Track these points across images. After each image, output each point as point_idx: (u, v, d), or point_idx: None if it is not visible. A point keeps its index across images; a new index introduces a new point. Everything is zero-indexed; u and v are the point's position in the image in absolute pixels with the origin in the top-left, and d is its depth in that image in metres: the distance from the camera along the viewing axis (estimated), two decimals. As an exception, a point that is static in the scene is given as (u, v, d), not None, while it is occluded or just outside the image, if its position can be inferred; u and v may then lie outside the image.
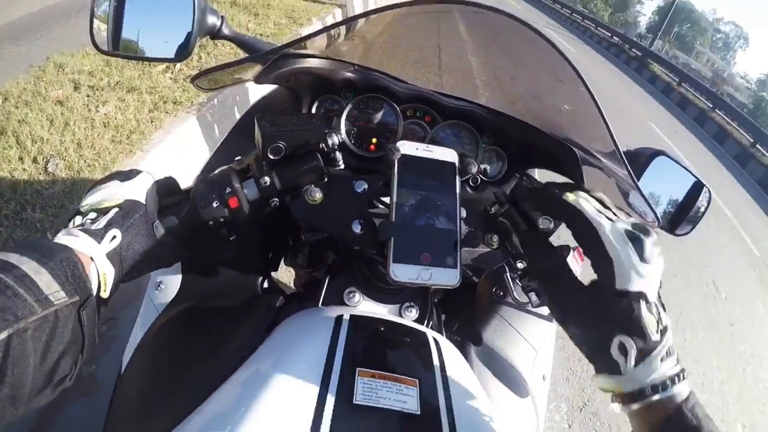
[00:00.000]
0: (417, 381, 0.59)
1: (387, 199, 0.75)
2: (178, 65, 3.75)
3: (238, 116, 1.13)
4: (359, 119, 1.03)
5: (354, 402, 0.53)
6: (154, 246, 0.66)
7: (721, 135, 15.61)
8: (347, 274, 0.85)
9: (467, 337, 0.90)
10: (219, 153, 1.05)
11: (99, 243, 0.59)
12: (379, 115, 1.03)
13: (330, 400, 0.52)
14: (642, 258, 0.56)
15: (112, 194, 0.65)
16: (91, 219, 0.62)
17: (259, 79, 0.85)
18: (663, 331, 0.56)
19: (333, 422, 0.49)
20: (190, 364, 0.73)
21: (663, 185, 0.99)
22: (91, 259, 0.58)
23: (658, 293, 0.58)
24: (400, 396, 0.56)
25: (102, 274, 0.59)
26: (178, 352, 0.78)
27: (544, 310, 1.00)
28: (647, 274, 0.56)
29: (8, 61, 3.51)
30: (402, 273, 0.67)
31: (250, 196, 0.71)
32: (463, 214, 0.79)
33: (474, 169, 0.78)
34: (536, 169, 1.16)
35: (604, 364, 0.57)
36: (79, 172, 2.62)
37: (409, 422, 0.54)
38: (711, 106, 17.79)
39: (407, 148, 0.76)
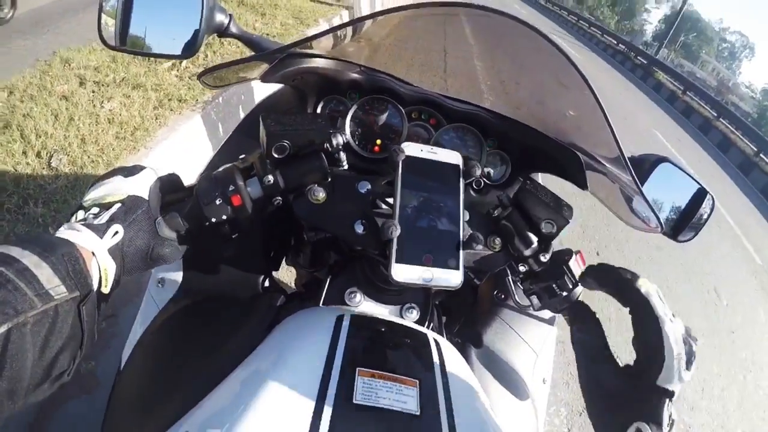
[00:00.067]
0: (417, 381, 0.59)
1: (390, 200, 0.75)
2: (184, 63, 3.76)
3: (242, 115, 1.14)
4: (364, 120, 1.03)
5: (354, 401, 0.53)
6: (156, 242, 0.65)
7: (725, 144, 15.59)
8: (349, 275, 0.85)
9: (468, 339, 0.90)
10: (223, 151, 1.05)
11: (101, 238, 0.58)
12: (383, 117, 1.03)
13: (330, 400, 0.52)
14: (688, 365, 0.61)
15: (115, 189, 0.65)
16: (94, 214, 0.61)
17: (265, 78, 0.85)
18: (671, 425, 0.61)
19: (332, 421, 0.49)
20: (190, 361, 0.73)
21: (666, 191, 0.99)
22: (93, 254, 0.57)
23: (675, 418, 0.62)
24: (400, 396, 0.56)
25: (103, 270, 0.58)
26: (177, 348, 0.77)
27: (545, 314, 1.00)
28: (685, 379, 0.61)
29: (15, 55, 3.52)
30: (404, 273, 0.67)
31: (254, 194, 0.71)
32: (466, 216, 0.79)
33: (478, 172, 0.78)
34: (540, 174, 1.16)
35: None
36: (82, 168, 2.63)
37: (408, 422, 0.53)
38: (715, 114, 17.77)
39: (412, 149, 0.76)
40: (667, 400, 0.60)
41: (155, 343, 0.79)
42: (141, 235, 0.63)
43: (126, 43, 0.86)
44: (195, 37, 0.83)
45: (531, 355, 0.93)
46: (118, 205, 0.63)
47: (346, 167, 0.85)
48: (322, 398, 0.52)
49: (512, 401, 0.85)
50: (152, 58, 3.58)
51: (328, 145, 0.75)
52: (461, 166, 0.78)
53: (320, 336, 0.63)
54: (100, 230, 0.59)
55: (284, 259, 1.13)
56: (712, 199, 1.01)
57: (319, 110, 1.03)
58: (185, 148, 3.15)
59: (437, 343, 0.69)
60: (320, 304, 0.81)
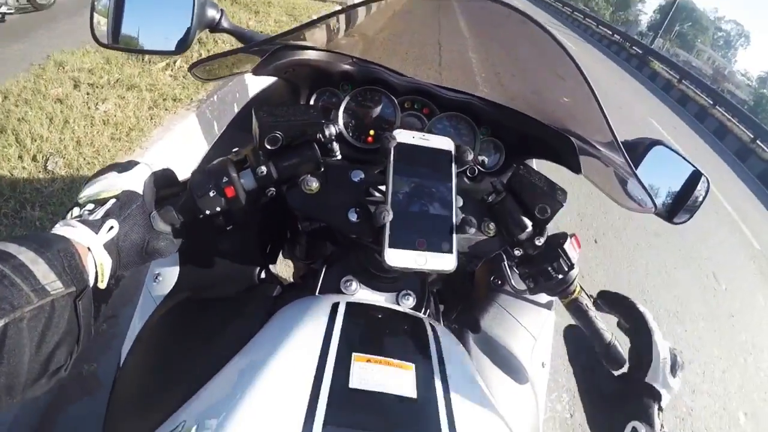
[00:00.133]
0: (413, 366, 0.59)
1: (384, 188, 0.75)
2: (178, 62, 3.75)
3: (237, 113, 1.15)
4: (357, 111, 1.03)
5: (349, 386, 0.53)
6: (152, 236, 0.66)
7: (722, 131, 15.62)
8: (344, 263, 0.85)
9: (465, 325, 0.90)
10: (217, 146, 1.06)
11: (96, 233, 0.59)
12: (377, 108, 1.03)
13: (325, 385, 0.52)
14: (673, 371, 0.70)
15: (110, 185, 0.65)
16: (89, 210, 0.62)
17: (257, 71, 0.86)
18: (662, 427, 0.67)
19: (329, 406, 0.49)
20: (188, 354, 0.73)
21: (661, 175, 1.00)
22: (89, 249, 0.58)
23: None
24: (396, 380, 0.56)
25: (99, 265, 0.59)
26: (175, 342, 0.78)
27: (543, 299, 1.00)
28: (671, 385, 0.69)
29: (9, 59, 3.52)
30: (397, 258, 0.67)
31: (247, 185, 0.71)
32: (460, 203, 0.79)
33: (470, 157, 0.78)
34: (534, 160, 1.17)
35: None
36: (78, 170, 2.63)
37: (405, 405, 0.53)
38: (711, 102, 17.79)
39: (403, 136, 0.77)
40: (657, 405, 0.67)
41: (153, 338, 0.79)
42: (136, 230, 0.64)
43: (118, 41, 0.86)
44: (187, 33, 0.83)
45: (529, 340, 0.93)
46: (113, 200, 0.63)
47: (339, 157, 0.86)
48: (318, 384, 0.52)
49: (511, 385, 0.85)
50: (145, 57, 3.59)
51: (320, 135, 0.75)
52: (453, 152, 0.79)
53: (316, 323, 0.62)
54: (96, 226, 0.59)
55: (281, 253, 1.13)
56: (707, 181, 1.01)
57: (312, 102, 1.03)
58: (181, 147, 3.15)
59: (433, 328, 0.70)
60: (316, 293, 0.81)
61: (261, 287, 0.87)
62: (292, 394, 0.50)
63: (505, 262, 0.89)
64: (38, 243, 0.52)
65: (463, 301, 1.04)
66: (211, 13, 0.85)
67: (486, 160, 1.07)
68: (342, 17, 0.76)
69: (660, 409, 0.68)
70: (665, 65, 21.30)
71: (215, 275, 0.87)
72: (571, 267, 0.79)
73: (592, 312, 0.83)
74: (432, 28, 1.06)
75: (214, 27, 0.88)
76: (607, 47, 23.55)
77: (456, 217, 0.73)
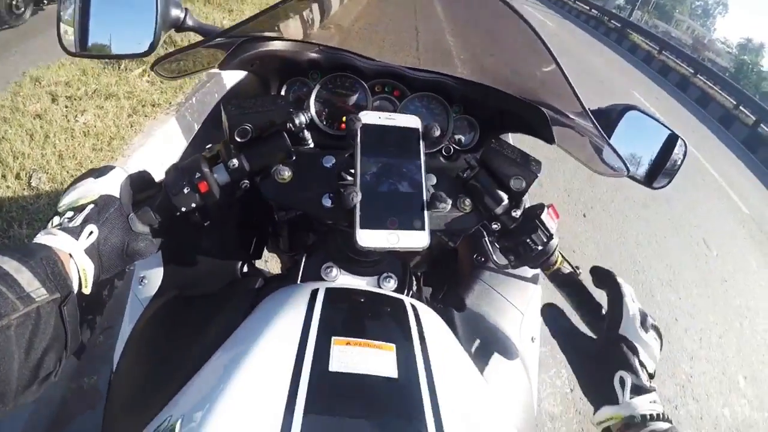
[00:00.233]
0: (393, 346, 0.59)
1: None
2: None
3: (217, 114, 1.15)
4: (329, 99, 1.04)
5: (329, 370, 0.53)
6: (131, 238, 0.67)
7: (704, 99, 15.66)
8: (324, 251, 0.85)
9: (451, 304, 0.90)
10: (192, 144, 1.06)
11: (77, 240, 0.60)
12: (347, 93, 1.04)
13: (305, 370, 0.52)
14: (643, 325, 0.75)
15: (87, 191, 0.66)
16: (68, 217, 0.63)
17: (223, 65, 0.86)
18: (651, 377, 0.72)
19: (309, 391, 0.49)
20: (177, 352, 0.74)
21: (637, 140, 1.00)
22: (70, 255, 0.59)
23: (652, 375, 0.73)
24: (377, 360, 0.56)
25: (82, 270, 0.60)
26: (164, 342, 0.78)
27: (528, 272, 1.00)
28: (644, 338, 0.73)
29: (-16, 80, 3.48)
30: (369, 239, 0.67)
31: (221, 180, 0.72)
32: (433, 181, 0.80)
33: (437, 133, 0.78)
34: (510, 135, 1.17)
35: (605, 395, 0.71)
36: (62, 184, 2.61)
37: (386, 385, 0.53)
38: (692, 71, 17.81)
39: (369, 117, 0.77)
40: (636, 357, 0.71)
41: (143, 340, 0.80)
42: (115, 233, 0.65)
43: (87, 48, 0.86)
44: (153, 34, 0.83)
45: (517, 315, 0.93)
46: (91, 206, 0.64)
47: (311, 145, 0.86)
48: (298, 370, 0.52)
49: (501, 362, 0.85)
50: (122, 65, 3.57)
51: (290, 124, 0.76)
52: (420, 129, 0.79)
53: (295, 311, 0.62)
54: (75, 232, 0.60)
55: (266, 248, 1.13)
56: (684, 144, 1.01)
57: (282, 93, 1.03)
58: (163, 152, 3.14)
59: (414, 308, 0.69)
60: (298, 283, 0.81)
61: (243, 281, 0.87)
62: (272, 382, 0.51)
63: (486, 238, 0.90)
64: (21, 252, 0.54)
65: (448, 280, 1.05)
66: (175, 12, 0.85)
67: (462, 138, 1.08)
68: (315, 7, 0.76)
69: (642, 364, 0.71)
70: (645, 37, 21.28)
71: (198, 272, 0.87)
72: (550, 237, 0.80)
73: (575, 279, 0.84)
74: (408, 14, 1.06)
75: (180, 26, 0.87)
76: (586, 22, 23.49)
77: (426, 194, 0.73)
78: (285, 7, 0.79)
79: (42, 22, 4.92)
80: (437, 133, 0.78)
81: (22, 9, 5.41)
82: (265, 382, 0.51)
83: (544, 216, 0.80)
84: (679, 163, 1.02)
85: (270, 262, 2.15)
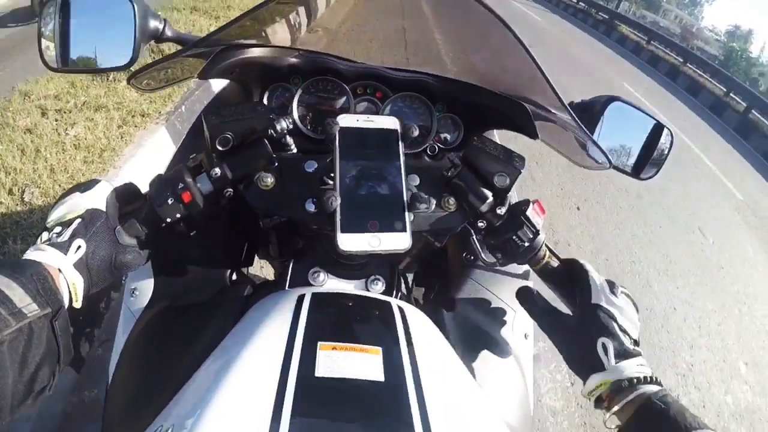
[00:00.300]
0: (380, 349, 0.59)
1: None
2: (144, 78, 3.72)
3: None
4: (312, 103, 1.04)
5: (316, 375, 0.53)
6: (119, 251, 0.67)
7: (695, 87, 15.70)
8: (311, 256, 0.85)
9: (442, 305, 0.90)
10: (178, 155, 1.06)
11: (65, 254, 0.61)
12: (330, 97, 1.04)
13: (292, 376, 0.52)
14: (613, 292, 0.77)
15: (74, 206, 0.67)
16: (57, 233, 0.63)
17: (202, 75, 0.86)
18: (636, 343, 0.73)
19: (295, 396, 0.49)
20: (169, 362, 0.74)
21: (622, 131, 1.00)
22: (60, 270, 0.60)
23: (636, 341, 0.74)
24: (363, 364, 0.56)
25: (71, 284, 0.61)
26: (157, 352, 0.78)
27: (518, 269, 1.00)
28: (616, 303, 0.75)
29: (-26, 97, 3.48)
30: (350, 242, 0.67)
31: (204, 189, 0.72)
32: (417, 181, 0.80)
33: (416, 133, 0.78)
34: (495, 131, 1.18)
35: (591, 364, 0.71)
36: (55, 198, 2.58)
37: (372, 388, 0.53)
38: (682, 60, 17.85)
39: (347, 120, 0.77)
40: (615, 323, 0.73)
41: (136, 352, 0.80)
42: (103, 246, 0.65)
43: (68, 63, 0.86)
44: (132, 46, 0.83)
45: (509, 312, 0.93)
46: (78, 220, 0.64)
47: (294, 151, 0.86)
48: (284, 376, 0.52)
49: (494, 360, 0.85)
50: (110, 76, 3.56)
51: (272, 131, 0.76)
52: (399, 130, 0.79)
53: (282, 317, 0.63)
54: (64, 247, 0.61)
55: (258, 255, 1.13)
56: (671, 132, 1.01)
57: (265, 100, 1.04)
58: (154, 161, 3.14)
59: (401, 310, 0.69)
60: (286, 288, 0.81)
61: (232, 289, 0.87)
62: (259, 389, 0.51)
63: (473, 237, 0.89)
64: (11, 269, 0.55)
65: (439, 280, 1.05)
66: (154, 23, 0.85)
67: (448, 137, 1.08)
68: (302, 11, 0.77)
69: (623, 329, 0.73)
70: (633, 28, 21.32)
71: (188, 282, 0.87)
72: (536, 233, 0.80)
73: (563, 273, 0.85)
74: (395, 14, 1.07)
75: (159, 37, 0.87)
76: (573, 15, 23.49)
77: (407, 195, 0.73)
78: (267, 11, 0.79)
79: (31, 38, 4.91)
80: (416, 133, 0.78)
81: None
82: (252, 389, 0.51)
83: (530, 212, 0.80)
84: (666, 152, 1.02)
85: (266, 268, 2.15)
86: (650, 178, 1.02)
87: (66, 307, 0.60)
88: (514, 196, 0.85)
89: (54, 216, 0.67)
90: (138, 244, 0.70)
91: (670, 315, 3.79)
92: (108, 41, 0.86)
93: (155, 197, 0.69)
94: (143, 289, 0.85)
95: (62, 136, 3.02)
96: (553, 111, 0.89)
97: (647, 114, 1.01)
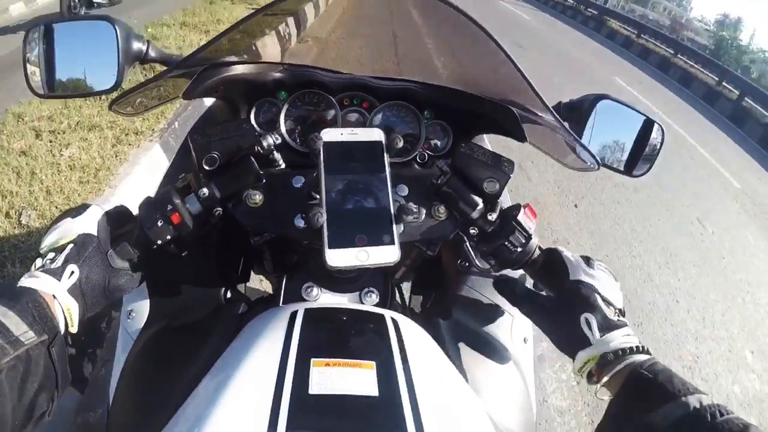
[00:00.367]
0: (374, 363, 0.58)
1: None
2: (136, 97, 3.74)
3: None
4: (300, 116, 1.04)
5: (309, 393, 0.53)
6: (112, 275, 0.68)
7: (687, 78, 15.71)
8: (304, 270, 0.85)
9: (439, 313, 0.89)
10: (167, 177, 1.06)
11: (59, 280, 0.62)
12: (317, 109, 1.05)
13: (285, 395, 0.51)
14: (588, 265, 0.77)
15: (66, 231, 0.67)
16: (50, 259, 0.64)
17: (186, 95, 0.86)
18: (621, 314, 0.74)
19: (289, 416, 0.49)
20: (166, 384, 0.74)
21: (612, 129, 1.00)
22: (54, 297, 0.60)
23: (621, 311, 0.75)
24: (357, 380, 0.55)
25: (66, 310, 0.61)
26: (155, 374, 0.78)
27: (513, 274, 0.99)
28: (595, 276, 0.76)
29: (-32, 120, 3.49)
30: (338, 258, 0.67)
31: (193, 210, 0.72)
32: (405, 191, 0.80)
33: (400, 144, 0.78)
34: (485, 136, 1.18)
35: (577, 341, 0.70)
36: (52, 219, 2.60)
37: (367, 404, 0.53)
38: (672, 52, 17.89)
39: (330, 135, 0.77)
40: (597, 295, 0.73)
41: (133, 374, 0.80)
42: (96, 270, 0.66)
43: (54, 88, 0.87)
44: (117, 69, 0.84)
45: (506, 318, 0.92)
46: (71, 246, 0.65)
47: (282, 166, 0.86)
48: (278, 395, 0.51)
49: (493, 367, 0.85)
50: (102, 96, 3.57)
51: (258, 147, 0.76)
52: (384, 142, 0.79)
53: (275, 335, 0.62)
54: (57, 273, 0.62)
55: (254, 271, 1.13)
56: (661, 128, 1.01)
57: (252, 116, 1.04)
58: (149, 179, 3.14)
59: (395, 322, 0.69)
60: (280, 305, 0.81)
61: (227, 307, 0.87)
62: (254, 408, 0.51)
63: (467, 244, 0.89)
64: (7, 297, 0.55)
65: (436, 289, 1.04)
66: (137, 45, 0.86)
67: (438, 143, 1.08)
68: (291, 22, 0.78)
69: (606, 301, 0.73)
70: (622, 22, 21.38)
71: (183, 302, 0.87)
72: (528, 238, 0.80)
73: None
74: (385, 20, 1.07)
75: (143, 59, 0.88)
76: (562, 13, 23.53)
77: (394, 207, 0.73)
78: (256, 25, 0.80)
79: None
80: (400, 144, 0.78)
81: (78, 8, 7.33)
82: (246, 408, 0.51)
83: (521, 216, 0.80)
84: (658, 148, 1.02)
85: (265, 282, 2.15)
86: (643, 175, 1.02)
87: (62, 332, 0.61)
88: (507, 200, 0.85)
89: (47, 242, 0.68)
90: (131, 267, 0.71)
91: (673, 308, 3.78)
92: (92, 65, 0.87)
93: (145, 220, 0.69)
94: (140, 310, 0.85)
95: (57, 157, 3.03)
96: (540, 114, 0.89)
97: (637, 110, 1.01)
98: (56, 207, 2.67)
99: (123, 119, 3.43)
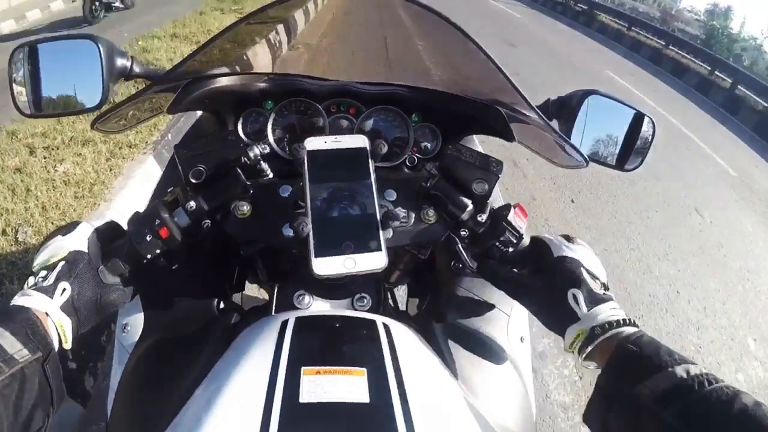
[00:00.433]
0: (364, 370, 0.58)
1: None
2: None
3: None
4: (288, 125, 1.04)
5: (300, 401, 0.52)
6: (103, 290, 0.69)
7: (679, 69, 15.73)
8: (296, 279, 0.84)
9: (434, 316, 0.89)
10: (157, 191, 1.07)
11: (51, 298, 0.62)
12: (304, 117, 1.04)
13: (276, 405, 0.51)
14: (569, 240, 0.78)
15: (57, 249, 0.68)
16: (42, 277, 0.65)
17: (171, 109, 0.86)
18: (606, 288, 0.73)
19: (280, 426, 0.49)
20: (162, 397, 0.74)
21: (602, 124, 1.00)
22: (47, 314, 0.61)
23: (605, 285, 0.74)
24: (347, 387, 0.55)
25: (60, 327, 0.62)
26: (150, 388, 0.78)
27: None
28: (575, 249, 0.76)
29: (-40, 140, 3.50)
30: (325, 266, 0.67)
31: (181, 223, 0.73)
32: (393, 196, 0.80)
33: (384, 150, 0.78)
34: (475, 137, 1.17)
35: (566, 318, 0.70)
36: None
37: (357, 411, 0.53)
38: (664, 44, 17.91)
39: (314, 143, 0.77)
40: (582, 269, 0.73)
41: (129, 388, 0.80)
42: (87, 287, 0.67)
43: (41, 108, 0.88)
44: (102, 87, 0.84)
45: (502, 318, 0.92)
46: (62, 263, 0.66)
47: (270, 176, 0.86)
48: (269, 405, 0.51)
49: (490, 368, 0.84)
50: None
51: (245, 158, 0.77)
52: (368, 148, 0.79)
53: (265, 344, 0.62)
54: (49, 291, 0.63)
55: (248, 281, 1.13)
56: (652, 121, 1.00)
57: (240, 127, 1.04)
58: (144, 192, 3.14)
59: (386, 327, 0.68)
60: (273, 314, 0.80)
61: (220, 318, 0.87)
62: (244, 418, 0.51)
63: (459, 245, 0.88)
64: (0, 316, 0.56)
65: (430, 291, 1.04)
66: (121, 62, 0.86)
67: (428, 145, 1.08)
68: (281, 29, 0.78)
69: (591, 274, 0.73)
70: (612, 16, 21.38)
71: (177, 314, 0.87)
72: (519, 238, 0.80)
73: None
74: (375, 25, 1.07)
75: (128, 75, 0.88)
76: (552, 9, 23.52)
77: (380, 213, 0.73)
78: (246, 33, 0.80)
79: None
80: (384, 149, 0.78)
81: (99, 12, 8.89)
82: (236, 419, 0.51)
83: (511, 216, 0.79)
84: (649, 141, 1.02)
85: (262, 291, 2.15)
86: (635, 169, 1.02)
87: (56, 349, 0.61)
88: (499, 200, 0.85)
89: (39, 260, 0.68)
90: (122, 282, 0.71)
91: (674, 299, 3.78)
92: (78, 84, 0.88)
93: (134, 235, 0.70)
94: (134, 324, 0.85)
95: (52, 173, 3.04)
96: (527, 113, 0.89)
97: (627, 104, 1.00)
98: (52, 223, 2.68)
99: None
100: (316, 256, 0.67)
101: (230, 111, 1.03)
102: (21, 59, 0.86)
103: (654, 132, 1.01)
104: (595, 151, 1.00)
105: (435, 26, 0.88)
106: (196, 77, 0.87)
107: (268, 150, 0.82)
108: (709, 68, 15.44)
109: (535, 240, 0.82)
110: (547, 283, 0.75)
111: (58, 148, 3.27)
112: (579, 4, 23.05)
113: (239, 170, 0.75)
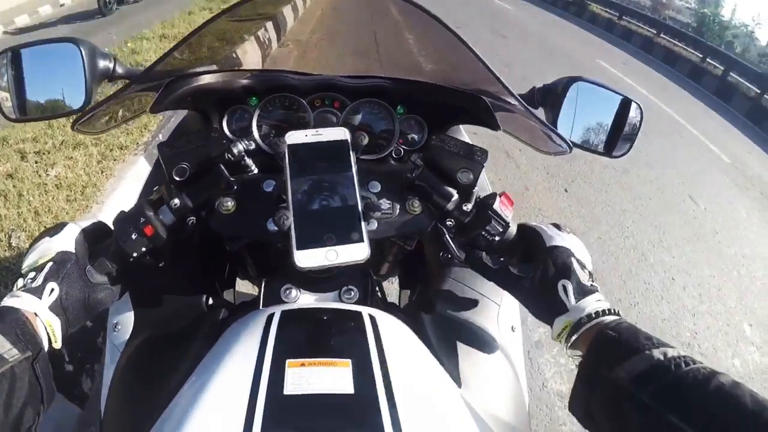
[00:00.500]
0: (349, 361, 0.58)
1: None
2: (120, 112, 3.72)
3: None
4: (273, 120, 1.05)
5: (284, 393, 0.53)
6: (91, 290, 0.69)
7: (671, 57, 15.74)
8: (283, 273, 0.84)
9: (423, 307, 0.89)
10: (144, 191, 1.07)
11: (40, 298, 0.63)
12: (289, 113, 1.05)
13: (261, 397, 0.52)
14: (560, 229, 0.80)
15: (45, 251, 0.69)
16: (31, 278, 0.66)
17: (153, 109, 0.87)
18: (592, 277, 0.75)
19: (264, 417, 0.49)
20: (152, 393, 0.74)
21: (589, 110, 0.99)
22: (36, 314, 0.62)
23: (591, 274, 0.76)
24: (332, 378, 0.56)
25: (48, 327, 0.63)
26: (141, 385, 0.79)
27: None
28: (567, 239, 0.78)
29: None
30: (307, 259, 0.67)
31: (167, 221, 0.73)
32: (377, 188, 0.80)
33: (365, 142, 0.78)
34: (462, 127, 1.18)
35: (555, 309, 0.72)
36: (42, 240, 2.61)
37: (342, 402, 0.53)
38: (655, 32, 17.91)
39: (294, 137, 0.77)
40: (573, 259, 0.75)
41: (121, 386, 0.81)
42: (75, 286, 0.68)
43: (26, 112, 0.88)
44: (85, 88, 0.84)
45: (492, 307, 0.92)
46: (50, 264, 0.67)
47: (255, 171, 0.86)
48: (254, 397, 0.52)
49: (481, 358, 0.85)
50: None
51: (228, 155, 0.76)
52: (349, 140, 0.79)
53: (251, 338, 0.63)
54: (38, 291, 0.64)
55: (237, 276, 1.13)
56: (639, 107, 1.00)
57: (225, 124, 1.04)
58: (136, 192, 3.08)
59: (372, 319, 0.68)
60: (260, 308, 0.81)
61: (209, 314, 0.87)
62: (229, 411, 0.51)
63: (446, 236, 0.88)
64: None
65: (420, 282, 1.04)
66: (103, 63, 0.86)
67: (415, 137, 1.08)
68: (270, 26, 0.78)
69: (580, 263, 0.75)
70: (603, 5, 21.37)
71: (165, 312, 0.87)
72: (506, 226, 0.80)
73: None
74: (364, 20, 1.07)
75: (111, 76, 0.88)
76: (543, 0, 23.60)
77: (361, 204, 0.73)
78: (235, 31, 0.80)
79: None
80: (365, 141, 0.78)
81: (112, 3, 9.67)
82: (221, 412, 0.52)
83: (497, 205, 0.80)
84: (637, 126, 1.01)
85: (255, 287, 2.16)
86: (623, 155, 1.02)
87: (45, 348, 0.62)
88: (487, 189, 0.85)
89: (27, 262, 0.69)
90: (109, 281, 0.72)
91: (669, 286, 3.80)
92: (62, 87, 0.88)
93: (119, 234, 0.70)
94: (125, 322, 0.86)
95: (43, 178, 3.04)
96: (512, 101, 0.89)
97: (613, 90, 1.00)
98: (45, 226, 2.64)
99: (107, 135, 3.43)
100: (298, 249, 0.67)
101: (215, 109, 1.03)
102: (4, 64, 0.86)
103: (642, 117, 1.01)
104: (583, 138, 1.00)
105: (418, 19, 0.88)
106: (179, 75, 0.87)
107: (253, 146, 0.82)
108: (701, 56, 15.46)
109: (523, 228, 0.83)
110: (538, 273, 0.76)
111: (49, 153, 3.27)
112: (569, -6, 23.01)
113: (222, 166, 0.75)
